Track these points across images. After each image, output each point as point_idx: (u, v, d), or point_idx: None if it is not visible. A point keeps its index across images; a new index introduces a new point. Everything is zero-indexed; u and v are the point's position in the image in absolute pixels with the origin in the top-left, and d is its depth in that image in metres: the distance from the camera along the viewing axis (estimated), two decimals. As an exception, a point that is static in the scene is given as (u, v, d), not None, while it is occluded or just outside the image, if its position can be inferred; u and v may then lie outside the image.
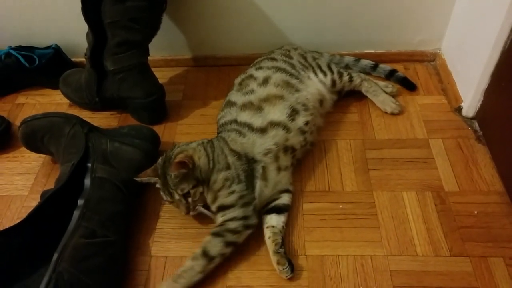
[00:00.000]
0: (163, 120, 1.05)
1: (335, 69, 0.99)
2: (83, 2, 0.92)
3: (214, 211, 0.78)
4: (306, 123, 0.87)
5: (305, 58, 1.00)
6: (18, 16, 1.12)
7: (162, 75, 1.11)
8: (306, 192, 0.87)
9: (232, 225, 0.75)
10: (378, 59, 1.12)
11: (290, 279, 0.74)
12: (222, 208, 0.77)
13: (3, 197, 0.92)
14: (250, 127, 0.83)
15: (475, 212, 0.81)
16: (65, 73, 1.11)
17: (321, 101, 0.95)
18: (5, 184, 0.95)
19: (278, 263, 0.74)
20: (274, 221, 0.79)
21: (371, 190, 0.86)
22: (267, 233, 0.78)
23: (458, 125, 0.98)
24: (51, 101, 1.14)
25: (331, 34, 1.11)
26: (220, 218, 0.77)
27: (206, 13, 1.08)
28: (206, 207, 0.80)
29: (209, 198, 0.78)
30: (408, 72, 1.11)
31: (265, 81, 0.90)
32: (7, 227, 0.75)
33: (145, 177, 0.81)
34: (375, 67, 1.10)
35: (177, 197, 0.78)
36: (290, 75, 0.92)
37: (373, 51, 1.14)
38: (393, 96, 1.04)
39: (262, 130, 0.82)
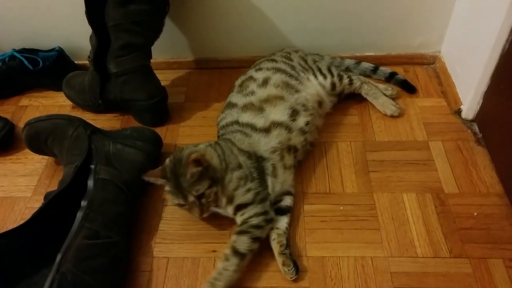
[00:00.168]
0: (165, 122, 1.06)
1: (335, 72, 1.00)
2: (86, 5, 0.93)
3: (231, 211, 0.78)
4: (307, 124, 0.88)
5: (305, 61, 1.01)
6: (22, 19, 1.13)
7: (164, 77, 1.12)
8: (307, 193, 0.88)
9: (255, 221, 0.76)
10: (378, 62, 1.13)
11: (295, 280, 0.74)
12: (241, 207, 0.77)
13: (7, 199, 0.93)
14: (253, 127, 0.83)
15: (475, 213, 0.82)
16: (68, 75, 1.12)
17: (320, 103, 0.96)
18: (8, 185, 0.96)
19: (283, 264, 0.75)
20: (277, 222, 0.80)
21: (372, 192, 0.87)
22: (272, 235, 0.78)
23: (458, 127, 0.98)
24: (54, 103, 1.15)
25: (331, 37, 1.12)
26: (240, 218, 0.77)
27: (208, 16, 1.09)
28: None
29: (224, 198, 0.77)
30: (408, 74, 1.12)
31: (265, 82, 0.91)
32: (10, 228, 0.76)
33: (152, 177, 0.79)
34: (375, 70, 1.11)
35: (191, 199, 0.75)
36: (289, 76, 0.93)
37: (373, 54, 1.15)
38: (393, 99, 1.04)
39: (266, 130, 0.83)
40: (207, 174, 0.75)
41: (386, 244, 0.79)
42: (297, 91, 0.91)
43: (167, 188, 0.78)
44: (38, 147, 0.94)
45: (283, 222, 0.80)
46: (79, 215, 0.77)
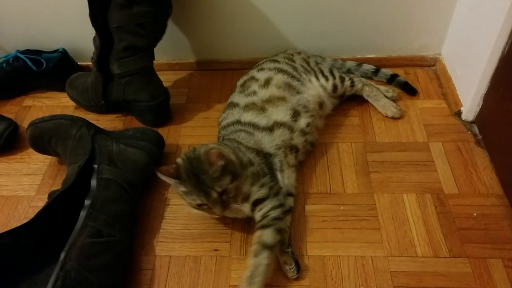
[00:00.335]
0: (167, 123, 1.07)
1: (337, 74, 1.01)
2: (90, 7, 0.94)
3: (248, 208, 0.78)
4: (307, 125, 0.89)
5: (307, 63, 1.02)
6: (26, 21, 1.14)
7: (166, 78, 1.13)
8: (308, 193, 0.89)
9: (274, 213, 0.76)
10: (379, 63, 1.14)
11: (296, 279, 0.75)
12: (258, 202, 0.77)
13: (11, 198, 0.94)
14: (256, 126, 0.84)
15: (474, 214, 0.82)
16: (71, 76, 1.13)
17: (321, 104, 0.97)
18: (12, 184, 0.96)
19: (285, 263, 0.76)
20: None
21: (372, 192, 0.88)
22: None
23: (458, 129, 0.99)
24: (57, 103, 1.16)
25: (333, 39, 1.13)
26: (259, 213, 0.77)
27: (210, 18, 1.10)
28: None
29: (242, 194, 0.77)
30: (408, 76, 1.13)
31: (267, 82, 0.92)
32: (14, 226, 0.77)
33: (164, 176, 0.74)
34: (376, 72, 1.11)
35: (214, 195, 0.72)
36: (291, 77, 0.94)
37: (374, 56, 1.16)
38: (394, 101, 1.05)
39: (269, 129, 0.84)
40: (228, 169, 0.73)
41: (386, 244, 0.79)
42: (298, 92, 0.92)
43: (181, 189, 0.75)
44: (41, 147, 0.95)
45: (285, 220, 0.81)
46: (83, 213, 0.78)
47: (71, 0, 1.07)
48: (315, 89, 0.96)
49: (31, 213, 0.85)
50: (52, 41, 1.17)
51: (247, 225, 0.84)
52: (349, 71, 1.12)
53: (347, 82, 1.01)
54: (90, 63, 1.06)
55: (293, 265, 0.75)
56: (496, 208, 0.83)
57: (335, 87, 1.00)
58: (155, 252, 0.82)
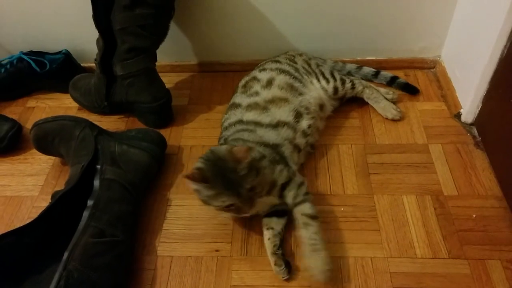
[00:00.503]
0: (169, 124, 1.08)
1: (337, 77, 1.02)
2: (94, 9, 0.95)
3: (276, 194, 0.80)
4: (309, 126, 0.90)
5: (309, 64, 1.03)
6: (30, 23, 1.15)
7: (168, 80, 1.14)
8: (309, 195, 0.90)
9: (303, 190, 0.80)
10: (379, 66, 1.14)
11: (287, 280, 0.76)
12: (285, 185, 0.80)
13: (14, 198, 0.95)
14: (259, 124, 0.85)
15: (474, 215, 0.83)
16: (75, 77, 1.14)
17: (322, 106, 0.98)
18: (16, 185, 0.97)
19: (275, 264, 0.76)
20: (274, 223, 0.81)
21: (372, 193, 0.88)
22: (267, 235, 0.80)
23: (457, 130, 1.00)
24: (60, 104, 1.17)
25: (333, 41, 1.14)
26: (289, 194, 0.79)
27: (212, 20, 1.11)
28: None
29: (266, 186, 0.77)
30: (408, 78, 1.13)
31: (269, 83, 0.92)
32: (18, 226, 0.77)
33: (195, 181, 0.71)
34: (376, 74, 1.12)
35: (245, 193, 0.71)
36: (293, 78, 0.95)
37: (374, 58, 1.17)
38: (394, 103, 1.06)
39: (273, 126, 0.85)
40: (252, 165, 0.73)
41: (386, 245, 0.80)
42: (300, 93, 0.93)
43: (209, 193, 0.72)
44: (45, 148, 0.96)
45: (279, 223, 0.82)
46: (86, 214, 0.78)
47: (75, 2, 1.08)
48: (316, 91, 0.97)
49: (34, 213, 0.85)
50: (55, 42, 1.18)
51: (247, 226, 0.85)
52: (349, 74, 1.12)
53: (348, 84, 1.02)
54: (93, 64, 1.07)
55: (283, 266, 0.76)
56: (495, 210, 0.83)
57: (336, 89, 1.01)
58: (157, 252, 0.82)
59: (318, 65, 1.04)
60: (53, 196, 0.87)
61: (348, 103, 1.07)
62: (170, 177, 0.96)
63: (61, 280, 0.68)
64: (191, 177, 0.70)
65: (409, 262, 0.77)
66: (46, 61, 1.16)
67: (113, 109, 1.10)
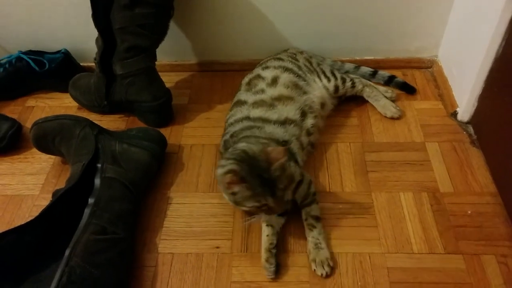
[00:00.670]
0: (169, 123, 1.08)
1: (338, 75, 1.03)
2: (93, 8, 0.95)
3: (291, 193, 0.81)
4: (312, 126, 0.92)
5: (310, 63, 1.04)
6: (28, 22, 1.15)
7: (168, 79, 1.14)
8: (307, 192, 0.91)
9: (312, 189, 0.85)
10: (377, 65, 1.16)
11: (273, 279, 0.76)
12: (299, 184, 0.83)
13: (15, 197, 0.95)
14: (267, 121, 0.86)
15: (469, 212, 0.84)
16: (74, 77, 1.14)
17: (323, 105, 0.99)
18: (16, 184, 0.98)
19: (267, 261, 0.77)
20: (274, 221, 0.82)
21: (370, 191, 0.90)
22: (266, 231, 0.81)
23: (454, 129, 1.01)
24: (60, 104, 1.17)
25: (332, 41, 1.15)
26: (301, 192, 0.83)
27: (211, 19, 1.12)
28: None
29: (290, 185, 0.79)
30: (406, 78, 1.15)
31: (274, 81, 0.93)
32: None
33: (238, 183, 0.71)
34: (374, 74, 1.13)
35: (279, 193, 0.72)
36: (297, 76, 0.96)
37: (372, 57, 1.18)
38: (393, 101, 1.07)
39: (281, 123, 0.86)
40: (285, 165, 0.74)
41: (383, 241, 0.81)
42: (305, 92, 0.94)
43: (245, 194, 0.71)
44: (45, 147, 0.96)
45: (279, 223, 0.83)
46: (87, 211, 0.79)
47: (74, 1, 1.08)
48: (319, 90, 0.99)
49: (35, 212, 0.86)
50: (54, 42, 1.18)
51: (247, 222, 0.86)
52: (347, 73, 1.13)
53: (348, 83, 1.03)
54: (93, 64, 1.07)
55: (274, 265, 0.77)
56: (490, 206, 0.85)
57: (336, 88, 1.02)
58: (158, 249, 0.83)
59: (318, 64, 1.05)
60: (54, 194, 0.87)
61: (347, 102, 1.08)
62: (170, 176, 0.96)
63: (63, 277, 0.69)
64: (234, 180, 0.70)
65: (406, 257, 0.79)
66: (45, 61, 1.16)
67: (113, 108, 1.10)
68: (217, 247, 0.83)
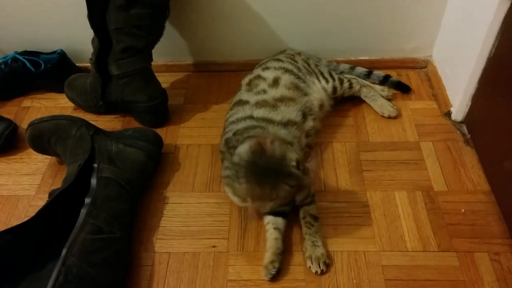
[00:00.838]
0: (165, 123, 1.09)
1: (336, 76, 1.04)
2: (89, 9, 0.95)
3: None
4: (311, 128, 0.92)
5: (308, 64, 1.04)
6: (24, 22, 1.15)
7: (164, 80, 1.15)
8: (303, 191, 0.91)
9: (312, 190, 0.86)
10: (372, 66, 1.16)
11: (271, 280, 0.77)
12: None
13: (11, 197, 0.95)
14: (270, 121, 0.86)
15: (462, 210, 0.85)
16: (70, 77, 1.14)
17: (321, 106, 1.00)
18: (12, 184, 0.98)
19: (271, 263, 0.77)
20: (280, 223, 0.82)
21: (365, 190, 0.90)
22: (273, 234, 0.81)
23: (448, 128, 1.02)
24: (56, 104, 1.17)
25: (327, 41, 1.15)
26: (303, 192, 0.82)
27: (207, 20, 1.12)
28: None
29: None
30: (401, 78, 1.16)
31: (275, 82, 0.93)
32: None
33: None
34: (369, 74, 1.14)
35: (290, 189, 0.72)
36: (297, 77, 0.96)
37: (367, 58, 1.19)
38: (389, 100, 1.08)
39: (284, 124, 0.87)
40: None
41: (378, 239, 0.82)
42: (305, 94, 0.94)
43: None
44: (41, 147, 0.96)
45: (283, 225, 0.83)
46: (83, 211, 0.79)
47: (70, 2, 1.08)
48: (318, 91, 0.99)
49: (31, 212, 0.86)
50: (50, 42, 1.18)
51: (243, 222, 0.86)
52: (342, 74, 1.14)
53: (346, 84, 1.04)
54: (88, 64, 1.07)
55: (276, 269, 0.76)
56: (483, 205, 0.86)
57: (334, 89, 1.02)
58: (155, 249, 0.83)
59: (316, 65, 1.06)
60: (50, 194, 0.87)
61: (342, 102, 1.09)
62: (167, 176, 0.97)
63: (60, 276, 0.69)
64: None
65: (401, 255, 0.79)
66: (41, 61, 1.16)
67: (109, 108, 1.10)
68: (214, 246, 0.83)
